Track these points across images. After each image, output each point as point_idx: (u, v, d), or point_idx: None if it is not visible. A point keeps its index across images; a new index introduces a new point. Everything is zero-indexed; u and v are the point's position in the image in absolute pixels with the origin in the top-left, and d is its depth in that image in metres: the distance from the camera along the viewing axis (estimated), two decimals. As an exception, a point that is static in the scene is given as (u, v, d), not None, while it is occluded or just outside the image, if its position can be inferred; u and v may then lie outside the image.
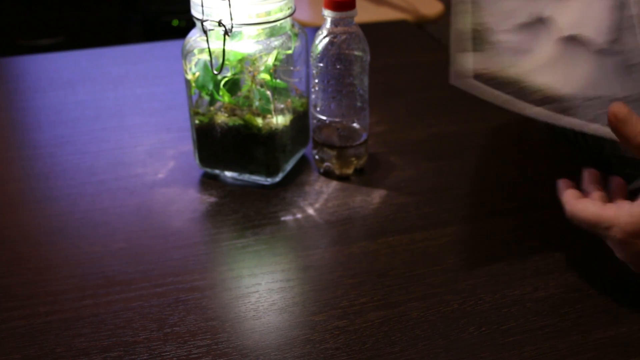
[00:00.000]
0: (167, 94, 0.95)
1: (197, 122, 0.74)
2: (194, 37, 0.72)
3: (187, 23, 2.07)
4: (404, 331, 0.55)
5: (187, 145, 0.81)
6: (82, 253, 0.65)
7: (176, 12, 2.10)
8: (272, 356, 0.53)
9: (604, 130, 0.59)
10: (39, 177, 0.77)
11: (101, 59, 1.08)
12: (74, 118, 0.89)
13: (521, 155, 0.80)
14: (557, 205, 0.71)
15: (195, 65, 0.72)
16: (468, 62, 0.59)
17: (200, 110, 0.73)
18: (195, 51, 0.71)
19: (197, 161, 0.76)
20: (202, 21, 0.68)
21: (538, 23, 0.62)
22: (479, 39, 0.60)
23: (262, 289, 0.60)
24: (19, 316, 0.57)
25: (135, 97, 0.95)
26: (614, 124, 0.56)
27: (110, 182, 0.75)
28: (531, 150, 0.82)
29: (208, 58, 0.69)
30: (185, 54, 0.72)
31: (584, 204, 0.58)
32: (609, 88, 0.61)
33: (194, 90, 0.73)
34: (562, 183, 0.62)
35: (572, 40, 0.62)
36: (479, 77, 0.59)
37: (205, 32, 0.68)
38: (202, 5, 0.68)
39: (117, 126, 0.87)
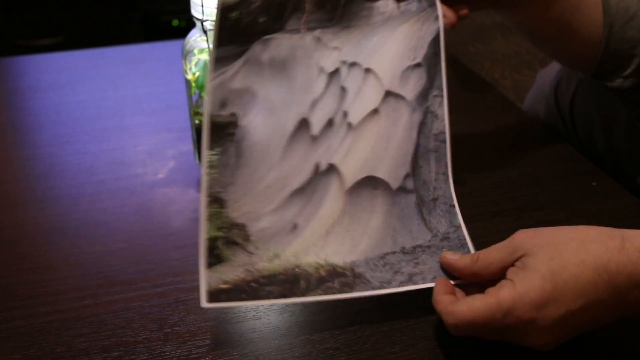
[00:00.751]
0: (167, 94, 0.95)
1: (197, 122, 0.74)
2: (194, 37, 0.72)
3: (187, 23, 2.07)
4: (404, 331, 0.55)
5: (187, 145, 0.81)
6: (82, 253, 0.65)
7: (176, 12, 2.10)
8: (272, 356, 0.53)
9: (399, 289, 0.55)
10: (39, 177, 0.77)
11: (101, 59, 1.07)
12: (74, 118, 0.89)
13: (521, 155, 0.80)
14: (556, 205, 0.72)
15: (195, 65, 0.72)
16: (217, 278, 0.53)
17: (200, 110, 0.73)
18: (195, 51, 0.71)
19: (197, 161, 0.76)
20: (202, 21, 0.68)
21: (314, 183, 0.57)
22: (231, 241, 0.54)
23: (262, 289, 0.60)
24: (19, 316, 0.57)
25: (135, 97, 0.95)
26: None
27: (110, 182, 0.75)
28: (531, 150, 0.82)
29: (208, 58, 0.69)
30: (185, 54, 0.72)
31: (465, 303, 0.49)
32: (403, 239, 0.58)
33: (194, 90, 0.73)
34: (438, 287, 0.53)
35: (360, 190, 0.58)
36: (236, 287, 0.52)
37: (205, 32, 0.68)
38: (202, 5, 0.68)
39: (117, 126, 0.87)
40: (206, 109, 0.56)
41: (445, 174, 0.60)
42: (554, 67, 0.98)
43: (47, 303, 0.58)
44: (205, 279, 0.52)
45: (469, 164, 0.78)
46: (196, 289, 0.60)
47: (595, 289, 0.48)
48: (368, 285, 0.55)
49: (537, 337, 0.48)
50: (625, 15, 0.70)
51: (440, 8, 0.63)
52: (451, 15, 0.64)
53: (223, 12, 0.57)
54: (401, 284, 0.55)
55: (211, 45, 0.57)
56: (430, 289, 0.54)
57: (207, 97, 0.56)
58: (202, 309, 0.58)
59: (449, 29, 0.64)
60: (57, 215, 0.70)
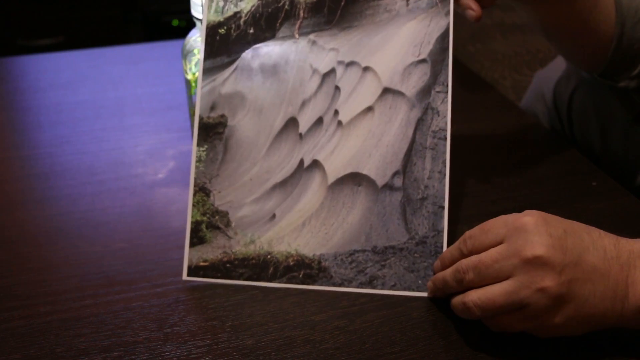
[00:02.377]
0: (167, 94, 0.95)
1: (197, 122, 0.74)
2: (194, 37, 0.72)
3: (187, 23, 2.06)
4: (404, 331, 0.55)
5: (187, 145, 0.81)
6: (82, 253, 0.65)
7: (176, 12, 2.10)
8: (272, 356, 0.53)
9: (357, 290, 0.59)
10: (39, 177, 0.77)
11: (101, 59, 1.07)
12: (74, 118, 0.89)
13: (521, 155, 0.80)
14: (556, 205, 0.72)
15: (195, 65, 0.72)
16: (198, 256, 0.60)
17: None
18: (195, 51, 0.71)
19: (197, 161, 0.76)
20: (202, 21, 0.68)
21: (297, 177, 0.61)
22: (213, 225, 0.61)
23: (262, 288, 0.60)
24: (19, 316, 0.57)
25: (135, 97, 0.95)
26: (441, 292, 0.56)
27: (110, 182, 0.75)
28: (531, 150, 0.82)
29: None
30: (185, 54, 0.72)
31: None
32: (377, 238, 0.60)
33: (194, 90, 0.73)
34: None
35: (343, 186, 0.61)
36: (213, 266, 0.60)
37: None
38: (202, 5, 0.68)
39: (117, 126, 0.87)
40: (196, 111, 0.62)
41: (442, 172, 0.60)
42: (551, 68, 0.98)
43: (47, 303, 0.58)
44: (187, 256, 0.60)
45: (469, 163, 0.78)
46: (196, 288, 0.60)
47: (599, 234, 0.52)
48: (329, 281, 0.60)
49: (541, 245, 0.49)
50: (636, 15, 0.70)
51: (452, 3, 0.62)
52: (476, 7, 0.63)
53: (210, 30, 0.63)
54: (360, 285, 0.59)
55: (201, 57, 0.63)
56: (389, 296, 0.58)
57: (197, 102, 0.62)
58: (202, 308, 0.58)
59: (474, 22, 0.63)
60: (57, 215, 0.70)
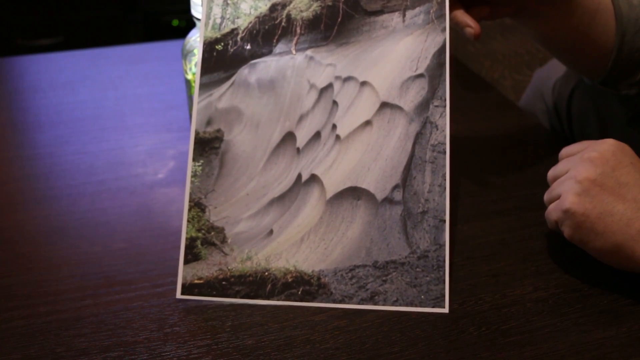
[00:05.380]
0: (167, 94, 0.95)
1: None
2: (194, 37, 0.72)
3: (187, 23, 2.06)
4: (404, 331, 0.55)
5: (187, 145, 0.81)
6: (82, 253, 0.65)
7: (176, 12, 2.10)
8: (272, 356, 0.53)
9: (358, 307, 0.58)
10: (39, 177, 0.77)
11: (101, 59, 1.07)
12: (74, 118, 0.89)
13: (521, 155, 0.80)
14: (557, 205, 0.72)
15: (195, 65, 0.72)
16: (193, 274, 0.59)
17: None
18: (195, 51, 0.71)
19: (197, 161, 0.76)
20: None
21: (295, 192, 0.61)
22: (209, 242, 0.60)
23: (262, 289, 0.60)
24: (19, 316, 0.57)
25: (135, 97, 0.95)
26: None
27: (110, 182, 0.75)
28: (531, 150, 0.82)
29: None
30: (185, 54, 0.72)
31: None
32: (378, 253, 0.59)
33: (194, 90, 0.73)
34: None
35: (342, 200, 0.60)
36: (209, 284, 0.59)
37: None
38: (202, 5, 0.68)
39: (117, 126, 0.87)
40: (192, 126, 0.62)
41: (442, 186, 0.60)
42: (551, 67, 0.98)
43: (47, 303, 0.59)
44: (181, 273, 0.59)
45: (469, 163, 0.78)
46: (196, 289, 0.60)
47: None
48: (329, 297, 0.58)
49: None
50: (636, 24, 0.70)
51: (448, 19, 0.63)
52: (474, 24, 0.64)
53: (206, 46, 0.63)
54: (361, 301, 0.58)
55: (198, 72, 0.63)
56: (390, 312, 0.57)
57: (193, 117, 0.62)
58: (202, 308, 0.58)
59: (473, 40, 0.64)
60: (57, 215, 0.70)
